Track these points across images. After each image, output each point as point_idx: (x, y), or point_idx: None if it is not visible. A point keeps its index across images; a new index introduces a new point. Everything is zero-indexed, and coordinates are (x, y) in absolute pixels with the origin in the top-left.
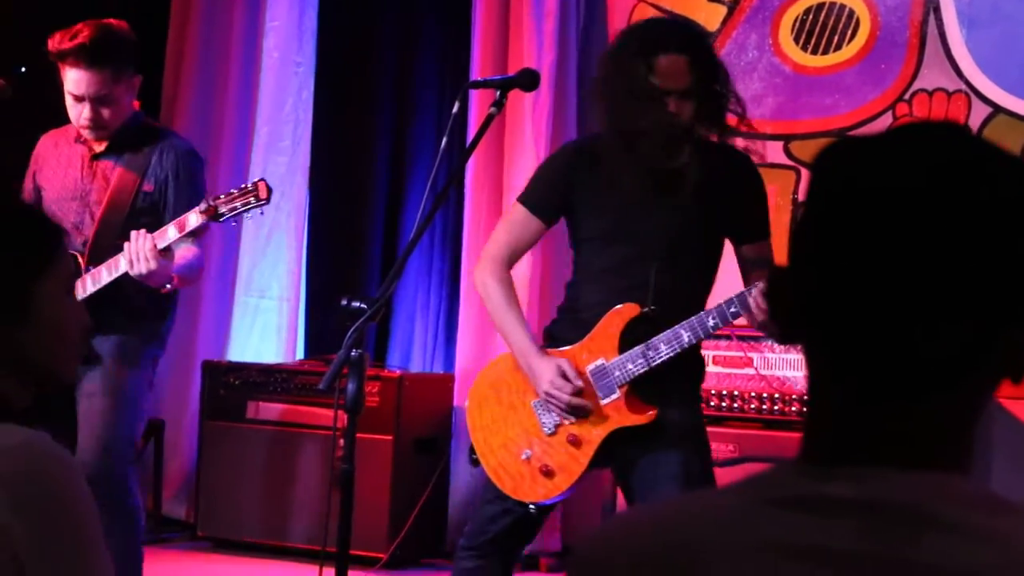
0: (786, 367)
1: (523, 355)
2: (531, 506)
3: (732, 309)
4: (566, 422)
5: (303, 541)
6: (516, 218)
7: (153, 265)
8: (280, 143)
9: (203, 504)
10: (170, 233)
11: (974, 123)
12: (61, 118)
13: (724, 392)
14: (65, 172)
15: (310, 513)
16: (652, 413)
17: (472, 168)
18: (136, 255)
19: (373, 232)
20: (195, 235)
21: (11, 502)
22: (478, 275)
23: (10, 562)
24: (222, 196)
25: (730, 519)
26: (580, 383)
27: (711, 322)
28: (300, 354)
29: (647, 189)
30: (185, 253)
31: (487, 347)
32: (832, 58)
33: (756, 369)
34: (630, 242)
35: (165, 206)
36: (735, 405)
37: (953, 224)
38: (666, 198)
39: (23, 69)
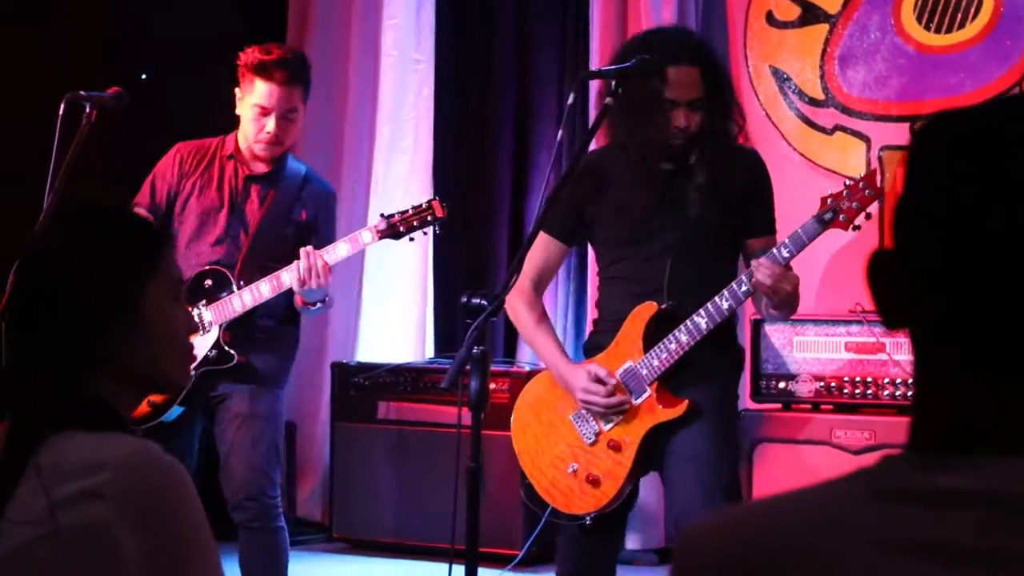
0: None
1: (555, 368)
2: (587, 518)
3: (743, 288)
4: (605, 428)
5: (436, 540)
6: (536, 242)
7: (323, 281)
8: (402, 142)
9: (337, 506)
10: (340, 250)
11: None
12: (184, 125)
13: (857, 379)
14: (219, 185)
15: (443, 512)
16: (683, 405)
17: None
18: (309, 271)
19: (498, 227)
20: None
21: (121, 514)
22: (507, 302)
23: (121, 574)
24: (396, 215)
25: (838, 514)
26: (614, 382)
27: (724, 304)
28: (429, 352)
29: (657, 194)
30: None
31: None
32: (956, 36)
33: (889, 354)
34: (642, 244)
35: (318, 240)
36: (868, 392)
37: None
38: (674, 199)
39: (144, 76)
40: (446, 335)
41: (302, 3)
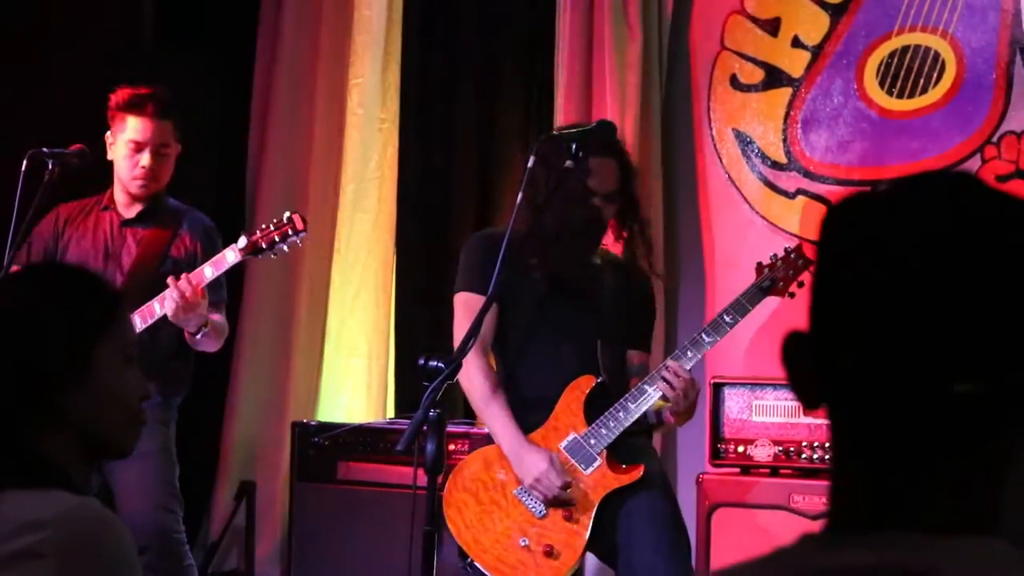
0: None
1: (511, 446)
2: None
3: (689, 354)
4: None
5: None
6: (471, 305)
7: (197, 305)
8: (366, 201)
9: (296, 566)
10: (206, 272)
11: None
12: None
13: (816, 443)
14: (94, 235)
15: (401, 574)
16: (640, 469)
17: None
18: (182, 293)
19: None
20: (218, 306)
21: (60, 569)
22: (464, 366)
23: None
24: (257, 232)
25: None
26: (568, 479)
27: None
28: (390, 413)
29: (573, 279)
30: (215, 314)
31: None
32: (918, 101)
33: None
34: (571, 324)
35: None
36: (827, 456)
37: (979, 275)
38: (593, 287)
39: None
40: (407, 395)
41: (268, 61)
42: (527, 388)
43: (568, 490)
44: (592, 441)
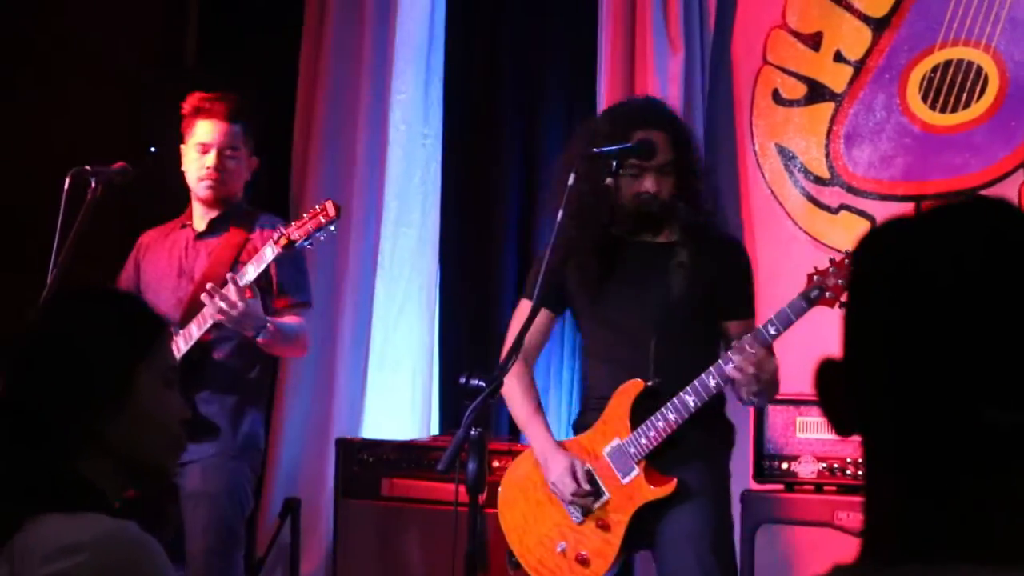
0: None
1: (539, 448)
2: None
3: (729, 366)
4: (594, 507)
5: None
6: (521, 311)
7: (241, 305)
8: (409, 216)
9: None
10: (249, 271)
11: None
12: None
13: (860, 460)
14: (170, 253)
15: None
16: (672, 484)
17: None
18: (222, 299)
19: (505, 303)
20: (295, 308)
21: None
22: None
23: None
24: (292, 224)
25: None
26: (587, 486)
27: (712, 382)
28: (435, 429)
29: (635, 266)
30: (287, 317)
31: None
32: (961, 116)
33: None
34: (625, 320)
35: (270, 284)
36: None
37: (1010, 302)
38: (656, 274)
39: (153, 149)
40: (451, 411)
41: (310, 77)
42: (592, 388)
43: (588, 498)
44: (632, 450)
